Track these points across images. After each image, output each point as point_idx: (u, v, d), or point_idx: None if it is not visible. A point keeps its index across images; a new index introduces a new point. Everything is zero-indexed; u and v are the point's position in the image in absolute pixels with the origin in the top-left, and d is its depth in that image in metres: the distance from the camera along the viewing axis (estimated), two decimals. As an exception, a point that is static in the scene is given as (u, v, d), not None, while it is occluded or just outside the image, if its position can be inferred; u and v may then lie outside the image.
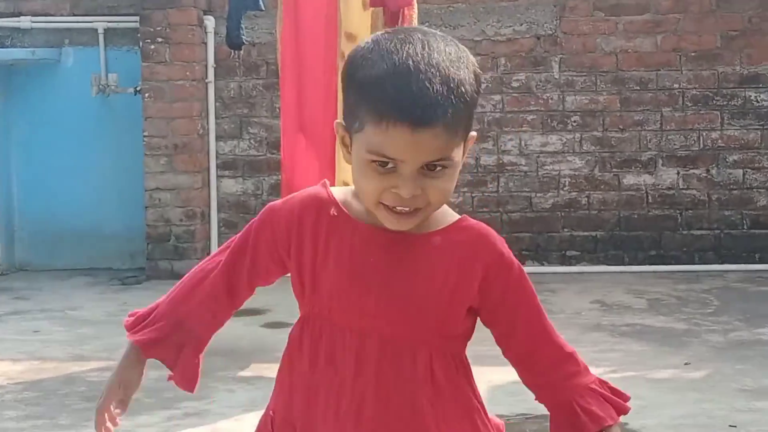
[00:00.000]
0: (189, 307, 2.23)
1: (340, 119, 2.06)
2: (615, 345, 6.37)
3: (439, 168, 1.97)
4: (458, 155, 1.99)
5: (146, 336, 2.23)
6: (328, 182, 2.17)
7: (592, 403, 2.13)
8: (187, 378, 2.32)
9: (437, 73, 1.93)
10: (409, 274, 2.07)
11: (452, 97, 1.93)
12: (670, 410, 5.10)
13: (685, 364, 5.93)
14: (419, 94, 1.92)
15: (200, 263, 2.26)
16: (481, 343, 5.70)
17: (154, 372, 5.93)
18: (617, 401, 2.18)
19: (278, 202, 2.19)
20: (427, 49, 1.97)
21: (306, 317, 2.14)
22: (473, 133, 2.04)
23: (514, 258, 2.15)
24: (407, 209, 1.99)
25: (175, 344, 2.26)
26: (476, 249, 2.09)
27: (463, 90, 1.96)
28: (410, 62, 1.94)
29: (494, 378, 5.67)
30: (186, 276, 2.28)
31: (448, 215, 2.12)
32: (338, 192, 2.14)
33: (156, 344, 2.24)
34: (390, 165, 1.95)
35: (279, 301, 7.67)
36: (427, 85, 1.92)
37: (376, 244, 2.07)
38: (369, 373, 2.07)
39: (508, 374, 5.94)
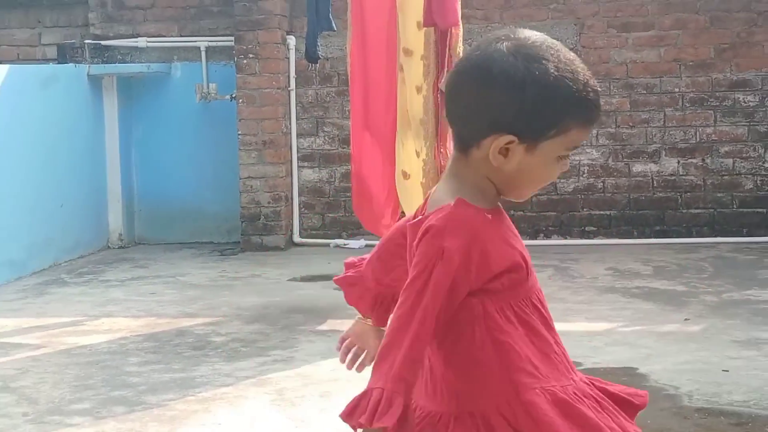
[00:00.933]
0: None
1: (508, 138, 1.82)
2: (627, 304, 6.33)
3: None
4: None
5: None
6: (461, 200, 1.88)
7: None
8: None
9: None
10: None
11: None
12: (673, 358, 5.06)
13: (685, 319, 5.88)
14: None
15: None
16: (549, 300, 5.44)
17: (248, 326, 5.98)
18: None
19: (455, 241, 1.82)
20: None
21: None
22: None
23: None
24: None
25: None
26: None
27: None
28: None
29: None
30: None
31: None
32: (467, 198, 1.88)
33: None
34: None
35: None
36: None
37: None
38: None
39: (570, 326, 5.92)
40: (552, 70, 1.80)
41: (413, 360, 1.80)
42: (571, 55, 1.85)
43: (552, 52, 1.82)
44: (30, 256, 7.80)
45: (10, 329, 6.04)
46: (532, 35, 1.86)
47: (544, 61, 1.80)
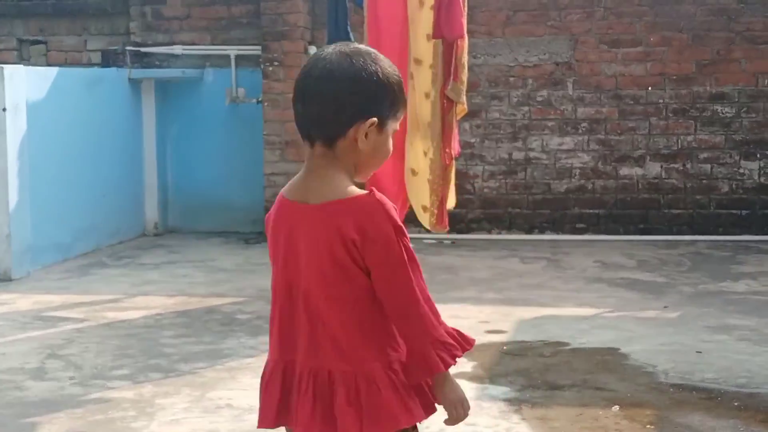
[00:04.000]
0: None
1: (372, 120, 2.01)
2: (612, 293, 6.40)
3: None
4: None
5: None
6: None
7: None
8: None
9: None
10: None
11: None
12: (652, 340, 5.14)
13: (664, 307, 5.95)
14: None
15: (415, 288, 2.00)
16: (511, 289, 5.82)
17: (270, 306, 6.01)
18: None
19: None
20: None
21: None
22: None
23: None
24: None
25: None
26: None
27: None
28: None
29: (521, 315, 5.75)
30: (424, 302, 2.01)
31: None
32: None
33: None
34: None
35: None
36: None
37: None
38: None
39: (532, 312, 6.03)
40: (387, 66, 2.07)
41: None
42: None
43: (377, 56, 2.08)
44: (75, 241, 7.90)
45: (57, 304, 6.14)
46: (362, 47, 2.11)
47: (380, 61, 2.06)
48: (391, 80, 2.05)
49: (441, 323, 2.03)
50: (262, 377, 2.14)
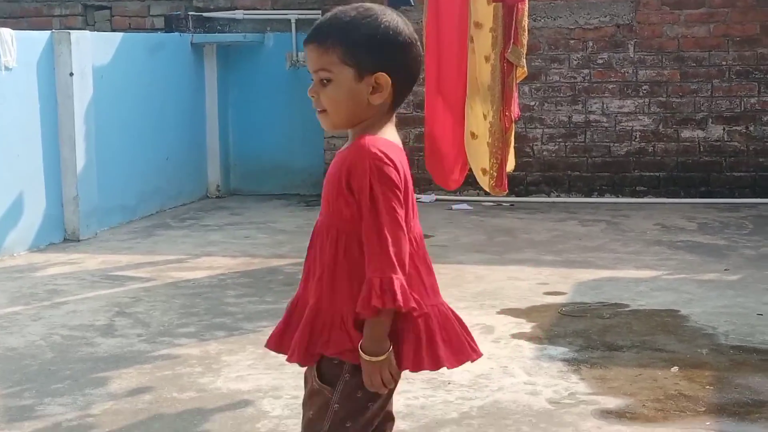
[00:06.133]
0: None
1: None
2: (671, 255, 6.37)
3: (324, 80, 2.15)
4: (340, 75, 2.13)
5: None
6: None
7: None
8: None
9: (334, 17, 2.15)
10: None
11: (333, 30, 2.12)
12: (713, 302, 5.11)
13: (725, 270, 5.91)
14: (315, 24, 2.17)
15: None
16: (570, 252, 5.84)
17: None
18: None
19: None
20: (348, 9, 2.16)
21: None
22: (378, 75, 2.14)
23: (371, 163, 2.11)
24: (318, 109, 2.20)
25: None
26: (351, 153, 2.16)
27: (345, 30, 2.12)
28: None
29: (580, 277, 5.75)
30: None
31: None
32: None
33: None
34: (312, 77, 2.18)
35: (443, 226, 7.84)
36: (321, 19, 2.17)
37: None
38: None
39: (591, 274, 6.01)
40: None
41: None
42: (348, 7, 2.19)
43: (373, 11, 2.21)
44: (139, 203, 8.04)
45: (124, 264, 6.28)
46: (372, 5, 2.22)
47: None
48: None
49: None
50: None
